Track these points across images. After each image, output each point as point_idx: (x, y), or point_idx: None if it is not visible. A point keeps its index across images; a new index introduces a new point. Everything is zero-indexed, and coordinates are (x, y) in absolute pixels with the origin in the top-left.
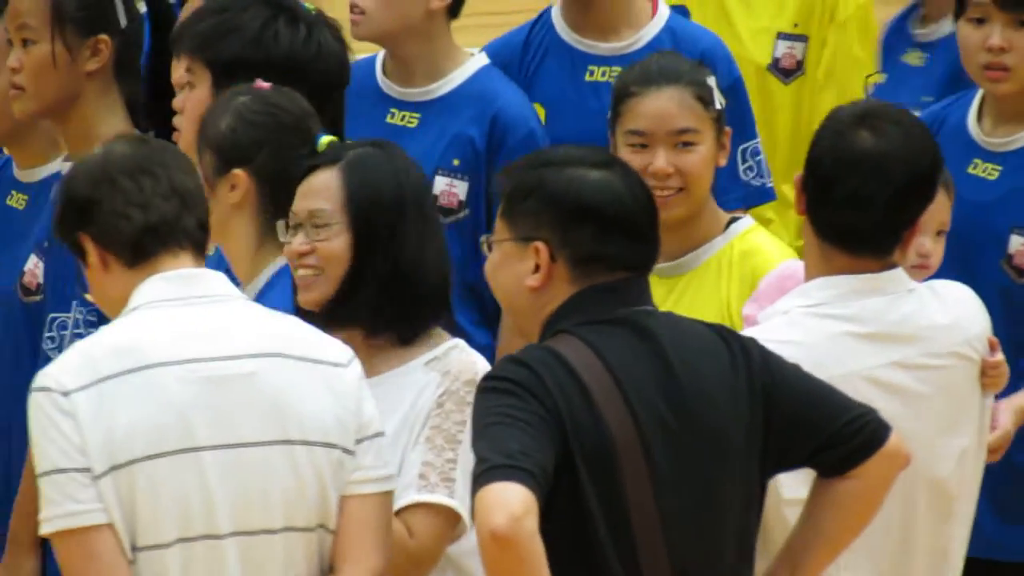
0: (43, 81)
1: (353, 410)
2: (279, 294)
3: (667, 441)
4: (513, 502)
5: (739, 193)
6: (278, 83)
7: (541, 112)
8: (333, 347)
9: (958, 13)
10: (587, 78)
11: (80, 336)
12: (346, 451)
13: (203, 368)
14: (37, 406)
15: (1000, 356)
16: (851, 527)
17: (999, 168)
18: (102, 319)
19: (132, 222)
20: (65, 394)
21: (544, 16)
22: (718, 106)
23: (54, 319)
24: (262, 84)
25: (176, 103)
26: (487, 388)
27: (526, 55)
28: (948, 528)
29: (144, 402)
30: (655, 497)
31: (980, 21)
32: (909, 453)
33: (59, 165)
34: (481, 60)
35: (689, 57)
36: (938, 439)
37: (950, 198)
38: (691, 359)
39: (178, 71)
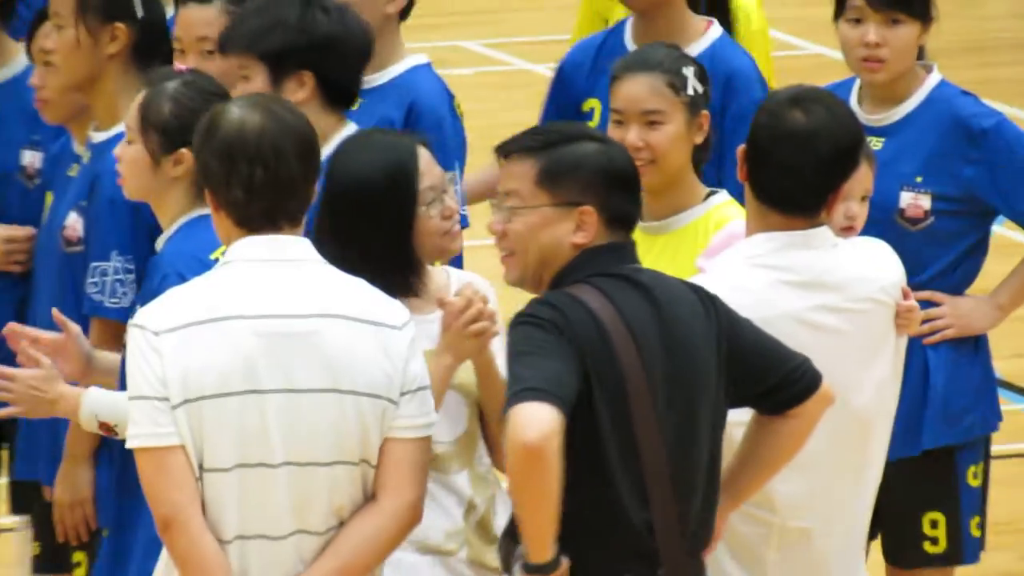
0: (70, 60)
1: (401, 368)
2: (181, 236)
3: (663, 378)
4: (545, 420)
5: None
6: (320, 63)
7: (598, 107)
8: (391, 310)
9: (837, 14)
10: None
11: (120, 282)
12: (391, 402)
13: (272, 324)
14: (133, 339)
15: (913, 302)
16: (786, 455)
17: (881, 140)
18: (139, 268)
19: (239, 202)
20: (156, 334)
21: (619, 26)
22: (691, 92)
23: (96, 267)
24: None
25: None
26: (521, 323)
27: (598, 57)
28: (868, 444)
29: (218, 348)
30: (657, 422)
31: (857, 21)
32: (834, 395)
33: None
34: (419, 59)
35: (722, 74)
36: (858, 372)
37: (872, 168)
38: (676, 309)
39: (223, 68)
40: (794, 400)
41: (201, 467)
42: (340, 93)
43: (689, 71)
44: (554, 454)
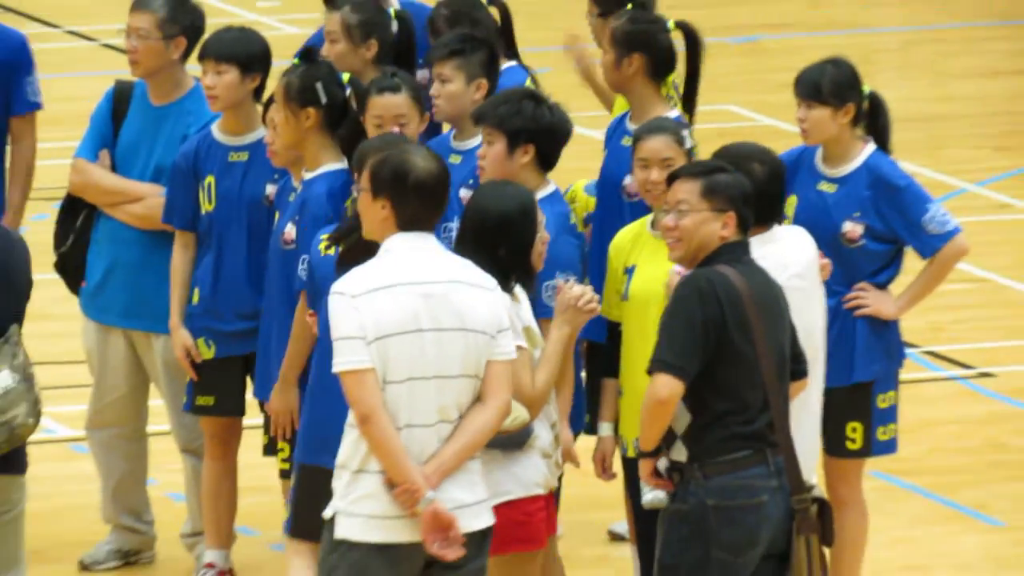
0: (283, 130)
1: (497, 314)
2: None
3: (768, 328)
4: (670, 389)
5: None
6: (540, 141)
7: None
8: (487, 279)
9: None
10: None
11: (316, 265)
12: (491, 337)
13: (421, 287)
14: (337, 300)
15: (827, 261)
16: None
17: (835, 185)
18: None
19: (413, 217)
20: (353, 296)
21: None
22: (689, 145)
23: (303, 259)
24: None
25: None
26: (681, 289)
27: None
28: (816, 368)
29: (392, 304)
30: (769, 355)
31: (798, 104)
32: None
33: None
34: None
35: None
36: (818, 320)
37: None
38: (773, 285)
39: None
40: (794, 377)
41: (384, 381)
42: (547, 161)
43: (686, 132)
44: (669, 407)
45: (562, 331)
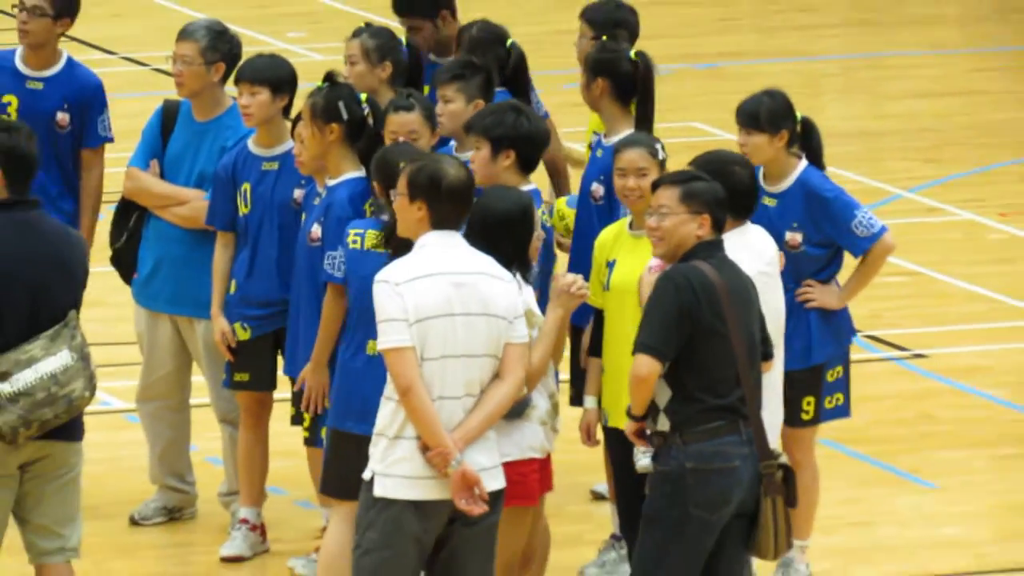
0: (310, 144)
1: (514, 302)
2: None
3: (740, 315)
4: (649, 367)
5: None
6: (520, 146)
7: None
8: (503, 271)
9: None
10: None
11: (339, 264)
12: (509, 322)
13: (453, 277)
14: (382, 287)
15: (780, 252)
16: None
17: (775, 200)
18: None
19: (445, 218)
20: (396, 284)
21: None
22: (661, 157)
23: (328, 255)
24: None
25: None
26: (661, 282)
27: (596, 146)
28: (777, 351)
29: (430, 291)
30: (741, 339)
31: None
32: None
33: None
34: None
35: None
36: (781, 305)
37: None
38: (744, 278)
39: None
40: (763, 358)
41: (421, 358)
42: (527, 165)
43: (659, 145)
44: (648, 384)
45: (556, 313)
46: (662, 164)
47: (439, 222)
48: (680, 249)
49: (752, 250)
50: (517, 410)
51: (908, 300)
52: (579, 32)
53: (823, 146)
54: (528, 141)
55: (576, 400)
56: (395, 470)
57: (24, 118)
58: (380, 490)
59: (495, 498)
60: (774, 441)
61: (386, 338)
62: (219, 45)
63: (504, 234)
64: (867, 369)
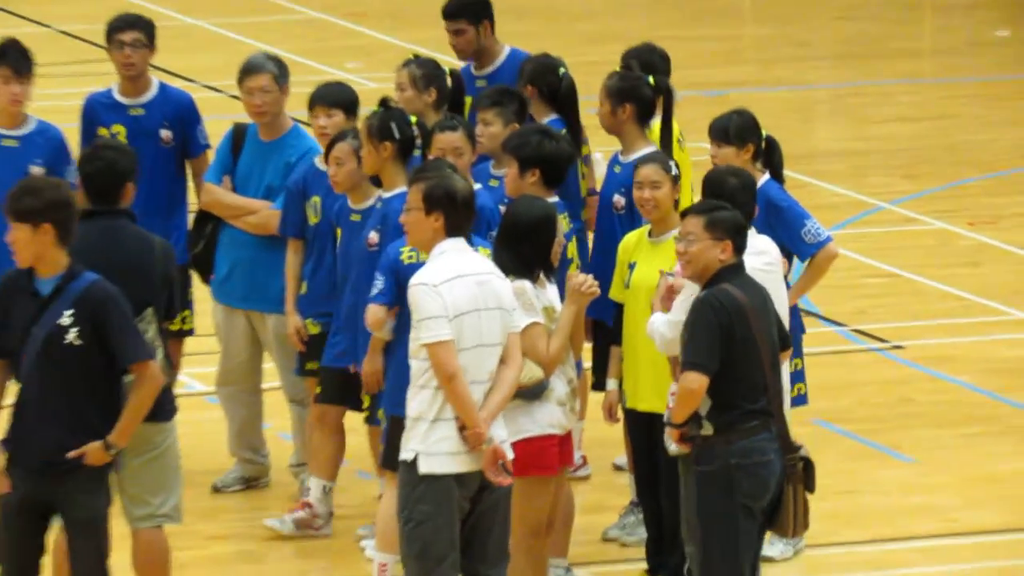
0: (367, 161)
1: (511, 296)
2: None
3: (765, 329)
4: (700, 382)
5: None
6: (545, 164)
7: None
8: (495, 266)
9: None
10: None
11: (401, 270)
12: (510, 313)
13: (475, 277)
14: (422, 289)
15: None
16: None
17: None
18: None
19: (458, 226)
20: (434, 285)
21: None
22: (674, 172)
23: (380, 260)
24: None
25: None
26: (699, 306)
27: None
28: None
29: (462, 290)
30: (768, 351)
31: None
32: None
33: (375, 201)
34: None
35: None
36: (784, 296)
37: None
38: (765, 295)
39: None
40: (783, 347)
41: (458, 349)
42: (552, 180)
43: (672, 163)
44: (699, 396)
45: (570, 309)
46: (675, 179)
47: (453, 230)
48: (707, 271)
49: (758, 247)
50: (536, 392)
51: (888, 298)
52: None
53: (783, 163)
54: (552, 161)
55: (598, 385)
56: (438, 448)
57: (132, 142)
58: (426, 467)
59: (508, 467)
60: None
61: (430, 333)
62: (284, 72)
63: (530, 238)
64: (853, 359)
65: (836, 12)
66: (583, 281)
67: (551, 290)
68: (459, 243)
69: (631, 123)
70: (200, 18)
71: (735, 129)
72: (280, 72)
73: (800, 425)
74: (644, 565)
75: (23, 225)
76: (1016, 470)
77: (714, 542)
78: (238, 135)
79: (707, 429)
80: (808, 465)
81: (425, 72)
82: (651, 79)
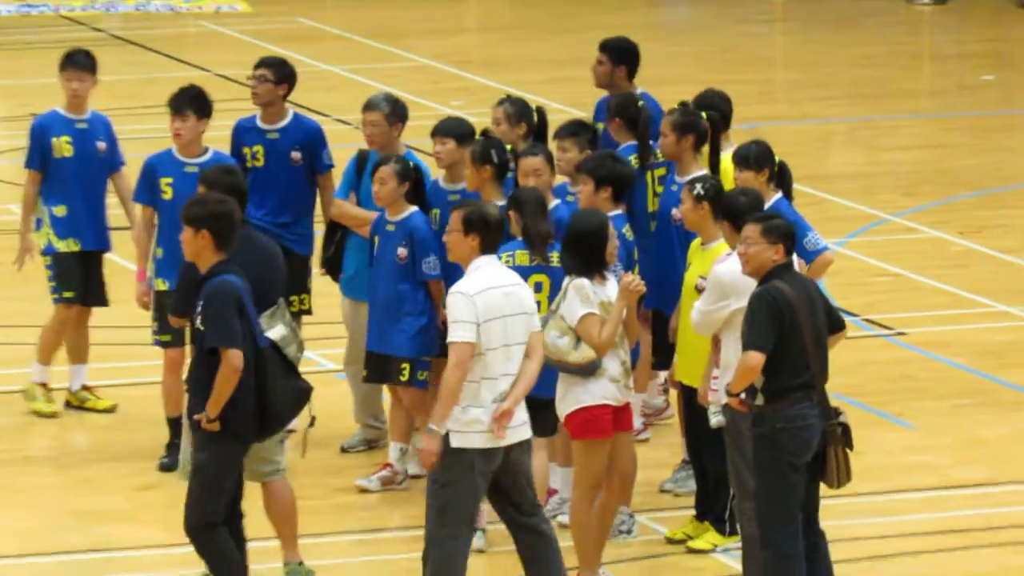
0: (471, 180)
1: (534, 303)
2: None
3: (811, 320)
4: (758, 359)
5: None
6: (615, 183)
7: None
8: (519, 277)
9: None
10: None
11: (435, 265)
12: (532, 316)
13: (504, 288)
14: (460, 297)
15: None
16: None
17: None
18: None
19: (490, 243)
20: (471, 295)
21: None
22: (697, 192)
23: (425, 259)
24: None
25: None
26: (757, 298)
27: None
28: None
29: (490, 300)
30: (812, 336)
31: None
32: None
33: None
34: None
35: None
36: None
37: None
38: (813, 290)
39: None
40: (836, 328)
41: (486, 349)
42: (619, 197)
43: (699, 185)
44: (758, 371)
45: (620, 303)
46: (696, 198)
47: (486, 248)
48: (762, 269)
49: None
50: (590, 370)
51: (893, 294)
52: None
53: (792, 184)
54: (621, 180)
55: (658, 364)
56: (467, 428)
57: (268, 160)
58: (457, 442)
59: (528, 445)
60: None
61: (459, 333)
62: (397, 110)
63: (588, 242)
64: (864, 343)
65: (851, 60)
66: (631, 281)
67: (610, 286)
68: (491, 259)
69: (689, 151)
70: (333, 64)
71: (754, 156)
72: (392, 110)
73: None
74: (693, 512)
75: (188, 228)
76: (999, 435)
77: (767, 492)
78: (361, 159)
79: (760, 399)
80: (846, 429)
81: (517, 109)
82: (704, 114)
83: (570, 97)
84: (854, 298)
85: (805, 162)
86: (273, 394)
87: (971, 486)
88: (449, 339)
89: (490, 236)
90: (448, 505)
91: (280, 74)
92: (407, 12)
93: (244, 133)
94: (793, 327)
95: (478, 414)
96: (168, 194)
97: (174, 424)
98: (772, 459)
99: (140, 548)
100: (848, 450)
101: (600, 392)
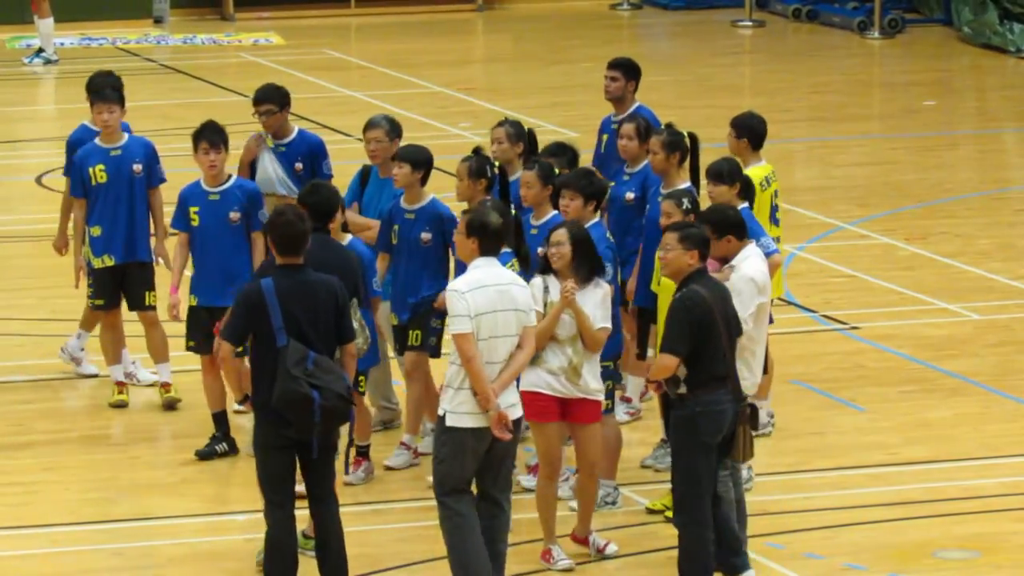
0: (464, 192)
1: (529, 300)
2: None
3: (724, 318)
4: (674, 363)
5: None
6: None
7: None
8: (522, 280)
9: None
10: None
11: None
12: (526, 313)
13: (495, 287)
14: (453, 294)
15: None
16: None
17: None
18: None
19: (490, 248)
20: (462, 292)
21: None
22: (684, 207)
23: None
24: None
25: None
26: (677, 303)
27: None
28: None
29: (482, 296)
30: (725, 335)
31: None
32: None
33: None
34: None
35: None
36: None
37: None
38: (723, 289)
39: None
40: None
41: (477, 339)
42: (599, 206)
43: (685, 198)
44: (672, 372)
45: (556, 306)
46: (685, 212)
47: (485, 251)
48: (680, 273)
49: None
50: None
51: (847, 292)
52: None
53: (755, 196)
54: (602, 193)
55: (641, 355)
56: (460, 408)
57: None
58: (450, 421)
59: (517, 424)
60: (752, 389)
61: (457, 327)
62: (395, 128)
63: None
64: (821, 336)
65: (810, 88)
66: (564, 287)
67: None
68: (489, 260)
69: (675, 166)
70: (356, 91)
71: (727, 172)
72: (391, 128)
73: (780, 383)
74: (670, 485)
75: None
76: (942, 417)
77: (683, 468)
78: (365, 173)
79: (682, 388)
80: (754, 410)
81: (516, 131)
82: (686, 134)
83: (564, 120)
84: (813, 296)
85: None
86: (277, 390)
87: (917, 463)
88: (451, 331)
89: (488, 240)
90: (445, 478)
91: (281, 102)
92: (421, 45)
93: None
94: (711, 325)
95: (466, 396)
96: (195, 221)
97: (217, 418)
98: (689, 439)
99: (181, 516)
100: (753, 429)
101: (533, 380)
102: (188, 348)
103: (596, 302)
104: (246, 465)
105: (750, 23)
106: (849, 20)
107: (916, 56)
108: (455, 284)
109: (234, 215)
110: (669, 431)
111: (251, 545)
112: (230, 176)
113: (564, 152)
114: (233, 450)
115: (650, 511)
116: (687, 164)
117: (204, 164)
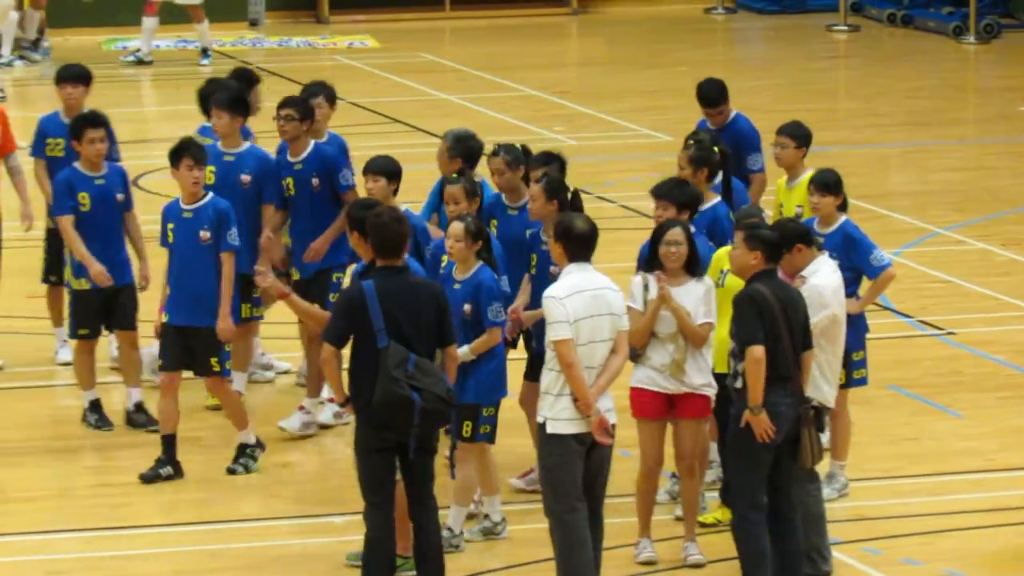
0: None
1: (623, 305)
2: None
3: (789, 320)
4: (759, 354)
5: None
6: None
7: None
8: (615, 284)
9: None
10: None
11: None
12: (620, 317)
13: (590, 292)
14: (552, 301)
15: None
16: None
17: (822, 239)
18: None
19: (579, 254)
20: (560, 299)
21: None
22: (693, 231)
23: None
24: None
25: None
26: (743, 297)
27: None
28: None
29: (580, 302)
30: (789, 337)
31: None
32: None
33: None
34: None
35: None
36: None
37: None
38: (792, 291)
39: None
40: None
41: (576, 344)
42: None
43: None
44: (760, 363)
45: (653, 303)
46: (690, 238)
47: (573, 257)
48: (743, 271)
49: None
50: (631, 356)
51: (944, 298)
52: (778, 143)
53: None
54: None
55: None
56: (561, 415)
57: (296, 188)
58: (552, 428)
59: (613, 429)
60: (832, 402)
61: (556, 333)
62: (456, 146)
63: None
64: (918, 341)
65: (906, 92)
66: (659, 285)
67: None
68: (582, 266)
69: (703, 182)
70: (450, 94)
71: (832, 183)
72: (451, 146)
73: (877, 388)
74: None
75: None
76: None
77: (737, 463)
78: (444, 184)
79: (739, 383)
80: (819, 412)
81: (514, 156)
82: (716, 148)
83: (658, 124)
84: (909, 301)
85: (865, 182)
86: (378, 392)
87: (1013, 469)
88: (551, 339)
89: (573, 246)
90: (558, 486)
91: (303, 112)
92: (516, 48)
93: (280, 168)
94: (772, 323)
95: (567, 402)
96: (171, 238)
97: (166, 441)
98: (744, 435)
99: (276, 518)
100: (819, 432)
101: (639, 377)
102: (159, 367)
103: (699, 297)
104: (344, 467)
105: (845, 28)
106: (944, 25)
107: (1011, 61)
108: (552, 291)
109: (204, 234)
110: (725, 430)
111: (345, 547)
112: (207, 194)
113: (550, 161)
114: (178, 474)
115: (702, 524)
116: (708, 178)
117: (187, 180)
